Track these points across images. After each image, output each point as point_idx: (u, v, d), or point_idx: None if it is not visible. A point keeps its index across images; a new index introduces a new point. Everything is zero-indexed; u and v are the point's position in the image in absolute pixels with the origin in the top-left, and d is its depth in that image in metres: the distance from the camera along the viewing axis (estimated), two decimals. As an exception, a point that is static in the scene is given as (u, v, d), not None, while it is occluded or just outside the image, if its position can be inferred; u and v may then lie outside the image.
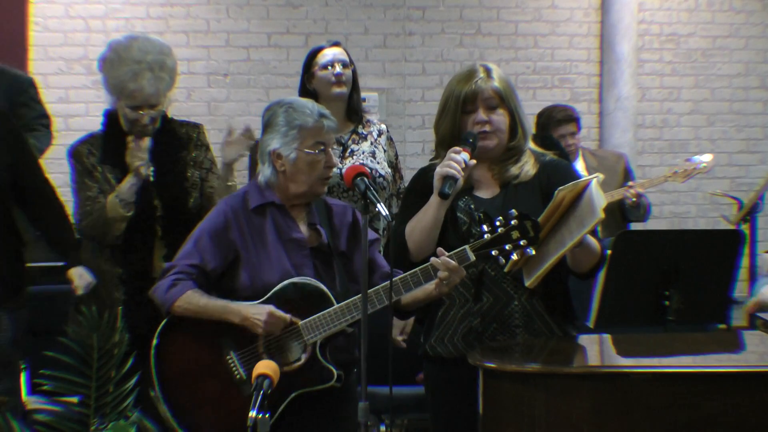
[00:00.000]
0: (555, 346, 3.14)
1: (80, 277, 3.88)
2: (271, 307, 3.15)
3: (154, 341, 3.27)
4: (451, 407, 3.25)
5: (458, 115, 3.18)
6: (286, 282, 3.19)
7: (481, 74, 3.19)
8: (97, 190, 3.81)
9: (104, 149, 3.86)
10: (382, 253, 3.47)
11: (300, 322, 3.16)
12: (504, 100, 3.19)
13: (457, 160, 3.06)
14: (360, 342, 2.85)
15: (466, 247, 2.99)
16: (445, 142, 3.21)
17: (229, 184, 3.88)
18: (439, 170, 3.09)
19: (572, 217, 3.00)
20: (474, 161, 3.11)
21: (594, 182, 2.98)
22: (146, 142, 3.79)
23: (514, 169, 3.21)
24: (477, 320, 3.18)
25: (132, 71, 3.75)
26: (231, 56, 7.80)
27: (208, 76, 7.78)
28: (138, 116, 3.80)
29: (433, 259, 3.01)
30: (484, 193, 3.24)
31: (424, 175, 3.29)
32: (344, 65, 4.41)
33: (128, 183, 3.77)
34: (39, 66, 7.42)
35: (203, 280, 3.25)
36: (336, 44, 4.55)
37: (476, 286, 3.16)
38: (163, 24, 7.68)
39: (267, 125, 3.28)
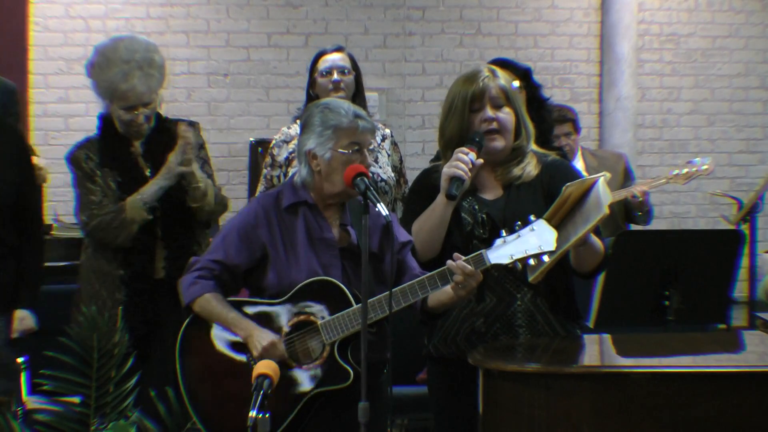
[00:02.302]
0: (557, 346, 3.13)
1: (21, 320, 3.88)
2: (276, 339, 3.15)
3: (180, 336, 3.28)
4: (453, 407, 3.25)
5: (466, 114, 3.17)
6: (308, 281, 3.20)
7: (487, 73, 3.20)
8: (101, 194, 3.80)
9: (101, 153, 3.85)
10: None
11: (319, 322, 3.17)
12: (510, 99, 3.20)
13: (464, 160, 3.06)
14: (361, 344, 2.85)
15: (483, 251, 2.98)
16: (452, 143, 3.19)
17: (195, 186, 3.84)
18: (446, 171, 3.09)
19: (578, 214, 3.00)
20: (481, 161, 3.11)
21: (601, 180, 2.98)
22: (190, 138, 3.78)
23: (516, 170, 3.21)
24: (480, 320, 3.18)
25: (122, 71, 3.75)
26: (231, 56, 7.80)
27: (208, 76, 7.78)
28: (133, 116, 3.79)
29: (449, 262, 3.00)
30: (488, 195, 3.24)
31: (428, 176, 3.29)
32: (342, 72, 4.42)
33: (156, 185, 3.76)
34: (39, 66, 7.43)
35: (227, 276, 3.27)
36: (338, 49, 4.53)
37: (479, 287, 3.15)
38: (163, 24, 7.68)
39: (304, 126, 3.29)
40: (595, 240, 3.08)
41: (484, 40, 8.10)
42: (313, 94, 4.45)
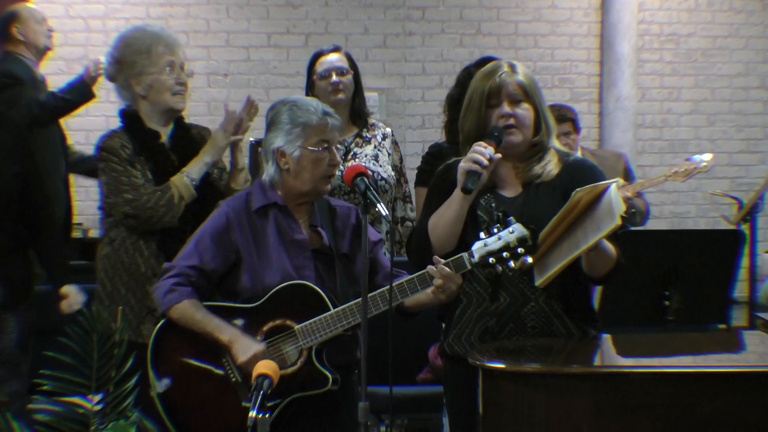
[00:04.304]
0: (568, 347, 3.12)
1: (75, 295, 3.88)
2: (263, 348, 3.14)
3: (151, 343, 3.26)
4: (468, 405, 3.23)
5: (483, 109, 3.16)
6: (283, 285, 3.19)
7: (505, 69, 3.18)
8: (143, 178, 3.72)
9: (133, 144, 3.74)
10: (404, 249, 3.47)
11: (296, 326, 3.16)
12: (528, 95, 3.17)
13: (482, 154, 3.05)
14: (361, 343, 2.85)
15: (464, 254, 2.99)
16: (470, 139, 3.17)
17: (241, 168, 3.87)
18: (463, 165, 3.07)
19: (589, 221, 2.98)
20: (499, 155, 3.08)
21: (613, 186, 2.96)
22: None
23: (537, 168, 3.19)
24: (493, 320, 3.16)
25: (153, 35, 3.74)
26: (231, 56, 7.81)
27: (208, 76, 7.78)
28: (179, 72, 3.75)
29: (429, 267, 3.01)
30: (507, 192, 3.22)
31: (448, 171, 3.26)
32: (340, 73, 4.40)
33: (201, 162, 3.72)
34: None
35: (203, 282, 3.25)
36: (335, 50, 4.51)
37: (493, 286, 3.14)
38: (163, 24, 7.66)
39: (271, 124, 3.28)
40: (608, 245, 3.05)
41: (484, 40, 8.10)
42: (312, 96, 4.45)
